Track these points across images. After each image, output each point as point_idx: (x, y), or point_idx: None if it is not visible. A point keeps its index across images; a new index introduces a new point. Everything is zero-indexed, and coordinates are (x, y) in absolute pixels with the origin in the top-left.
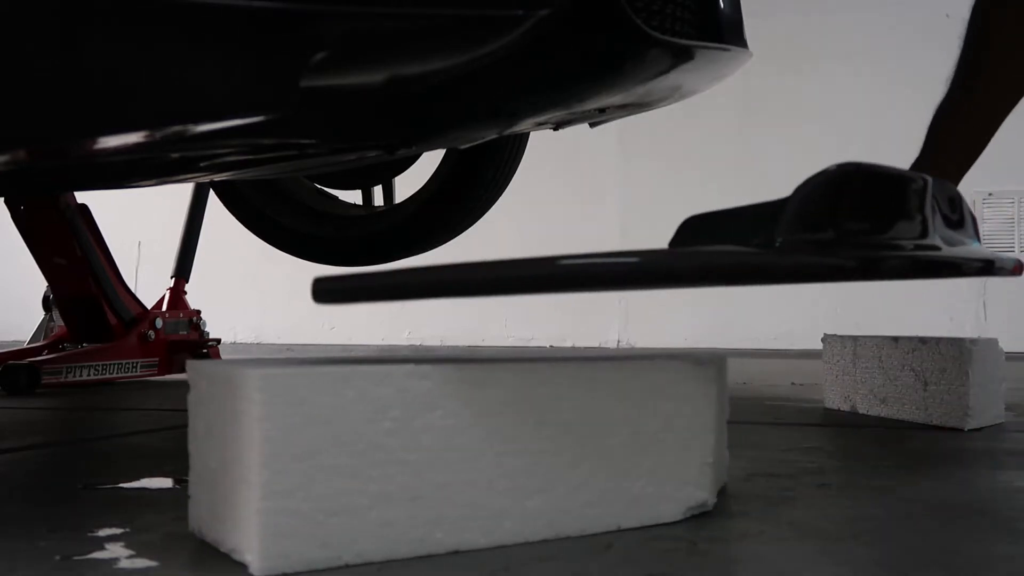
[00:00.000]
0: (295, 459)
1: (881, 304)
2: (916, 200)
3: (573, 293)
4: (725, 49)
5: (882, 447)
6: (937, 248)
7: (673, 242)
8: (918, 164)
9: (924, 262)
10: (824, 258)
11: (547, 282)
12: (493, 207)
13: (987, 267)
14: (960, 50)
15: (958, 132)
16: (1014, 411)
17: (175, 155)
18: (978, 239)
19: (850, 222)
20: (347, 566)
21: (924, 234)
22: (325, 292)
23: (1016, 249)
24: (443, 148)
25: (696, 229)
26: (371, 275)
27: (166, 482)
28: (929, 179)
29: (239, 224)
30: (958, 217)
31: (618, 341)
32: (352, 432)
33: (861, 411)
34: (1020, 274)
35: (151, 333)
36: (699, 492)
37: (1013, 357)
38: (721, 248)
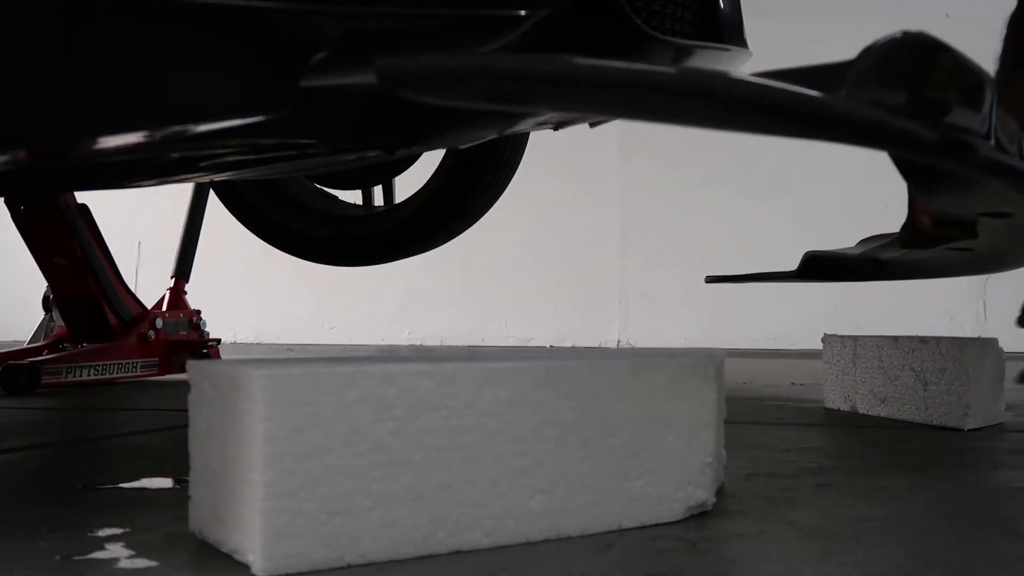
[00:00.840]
0: (298, 459)
1: (881, 304)
2: (988, 99)
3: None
4: (725, 49)
5: (882, 447)
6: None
7: None
8: None
9: (1002, 161)
10: (898, 120)
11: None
12: (492, 207)
13: None
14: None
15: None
16: (1014, 411)
17: (175, 155)
18: None
19: (927, 92)
20: (349, 566)
21: (989, 137)
22: (399, 76)
23: None
24: (443, 148)
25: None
26: (458, 57)
27: (166, 482)
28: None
29: (239, 224)
30: (1016, 149)
31: (618, 341)
32: (355, 432)
33: (861, 411)
34: None
35: (151, 333)
36: (699, 491)
37: (1013, 357)
38: (789, 86)
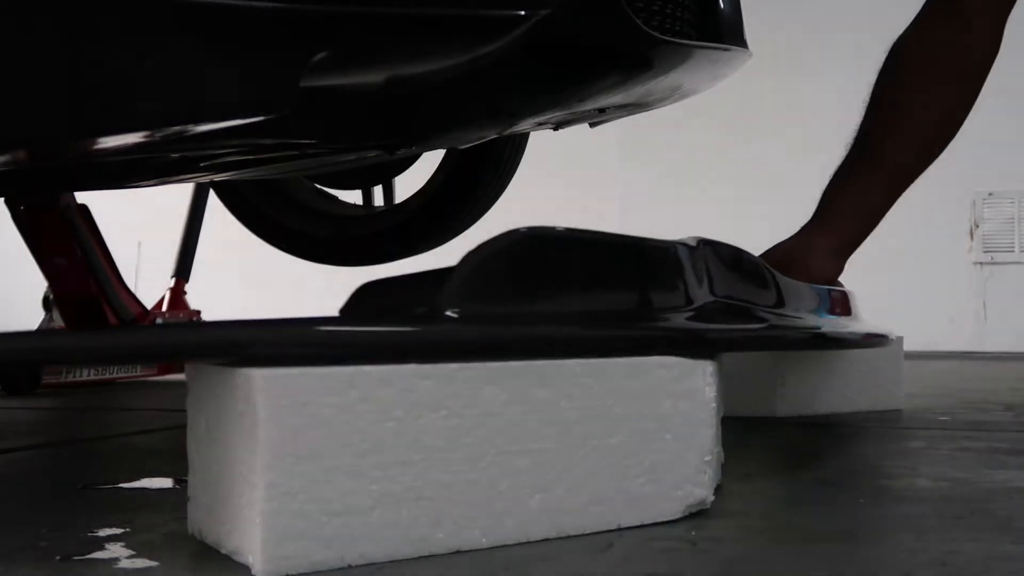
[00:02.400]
0: (298, 460)
1: (881, 304)
2: (604, 265)
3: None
4: (725, 49)
5: (881, 447)
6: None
7: (344, 309)
8: (806, 229)
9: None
10: (496, 330)
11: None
12: (493, 207)
13: (734, 342)
14: (861, 117)
15: (852, 198)
16: (1014, 411)
17: (175, 155)
18: (831, 313)
19: (537, 292)
20: (349, 567)
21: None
22: None
23: (1016, 249)
24: (443, 148)
25: (371, 296)
26: None
27: (166, 482)
28: (687, 245)
29: (239, 224)
30: (774, 300)
31: None
32: (355, 432)
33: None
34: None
35: None
36: (698, 490)
37: (1013, 357)
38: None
